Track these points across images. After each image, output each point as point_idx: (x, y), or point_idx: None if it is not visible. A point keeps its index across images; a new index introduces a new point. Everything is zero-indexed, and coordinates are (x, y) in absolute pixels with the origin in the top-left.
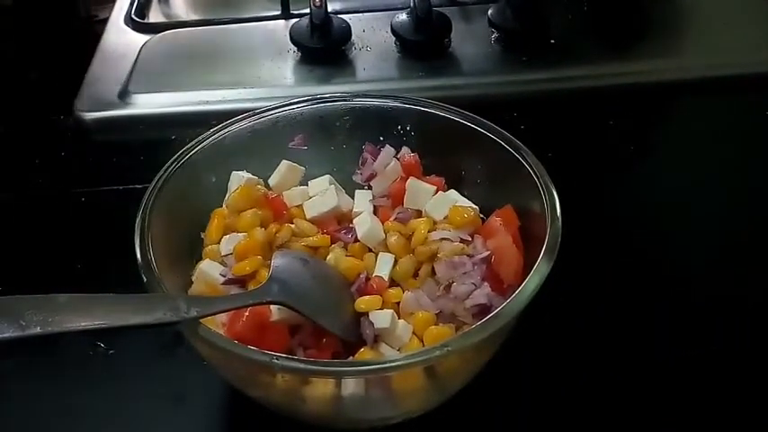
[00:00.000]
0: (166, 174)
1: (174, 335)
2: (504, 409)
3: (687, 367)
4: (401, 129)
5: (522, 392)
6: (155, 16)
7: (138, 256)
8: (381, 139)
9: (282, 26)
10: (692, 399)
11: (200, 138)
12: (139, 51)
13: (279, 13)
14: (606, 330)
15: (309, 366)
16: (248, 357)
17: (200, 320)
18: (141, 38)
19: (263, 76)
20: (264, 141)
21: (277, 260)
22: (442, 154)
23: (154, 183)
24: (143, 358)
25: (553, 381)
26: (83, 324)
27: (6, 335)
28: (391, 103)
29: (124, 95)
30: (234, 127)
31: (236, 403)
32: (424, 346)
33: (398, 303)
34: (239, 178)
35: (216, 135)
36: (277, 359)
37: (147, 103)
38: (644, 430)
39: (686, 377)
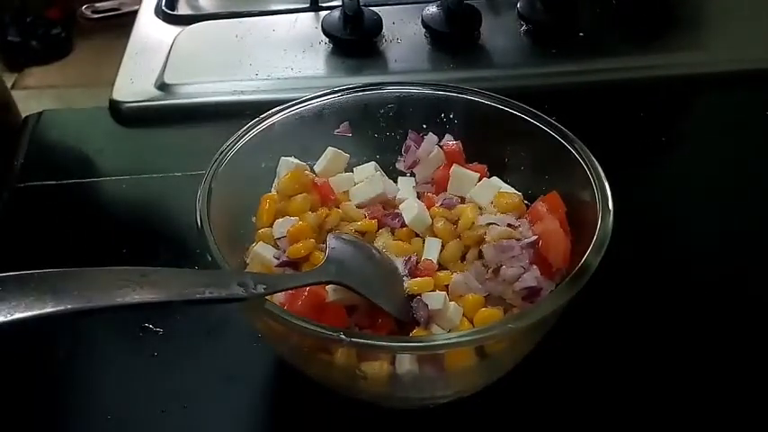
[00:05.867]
0: (222, 158)
1: (220, 316)
2: (552, 392)
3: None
4: (444, 116)
5: (571, 376)
6: (183, 8)
7: (204, 237)
8: (424, 126)
9: (311, 18)
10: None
11: (251, 123)
12: (173, 43)
13: (308, 5)
14: (641, 318)
15: (389, 343)
16: (318, 333)
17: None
18: (172, 29)
19: (295, 67)
20: (311, 128)
21: (332, 242)
22: (485, 141)
23: (211, 167)
24: (191, 339)
25: (600, 367)
26: (163, 297)
27: (99, 304)
28: (435, 92)
29: (162, 86)
30: (283, 113)
31: (283, 383)
32: (474, 327)
33: (447, 286)
34: (288, 164)
35: (266, 121)
36: (345, 335)
37: (185, 94)
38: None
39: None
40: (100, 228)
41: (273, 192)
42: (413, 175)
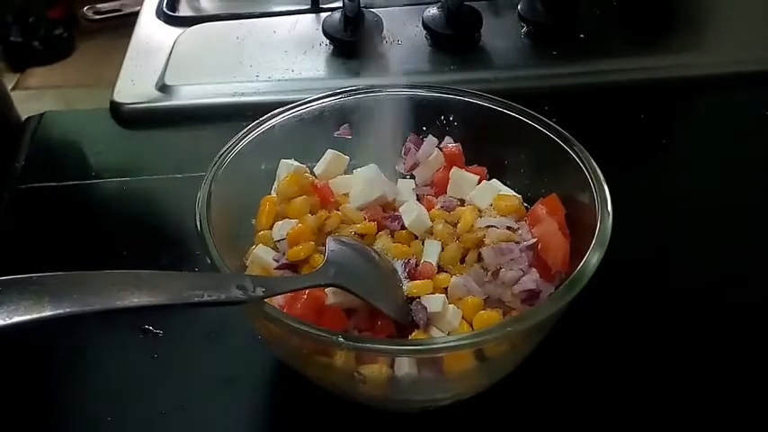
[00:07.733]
0: (222, 160)
1: (221, 319)
2: (552, 395)
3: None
4: (444, 119)
5: (571, 379)
6: (185, 9)
7: (203, 239)
8: (424, 129)
9: (312, 20)
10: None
11: (251, 125)
12: (174, 44)
13: (308, 6)
14: (640, 320)
15: (387, 346)
16: (316, 336)
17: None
18: (173, 31)
19: (296, 69)
20: (311, 130)
21: (331, 245)
22: (485, 144)
23: (211, 169)
24: (191, 341)
25: (600, 369)
26: (161, 300)
27: (98, 307)
28: (434, 94)
29: (162, 87)
30: (283, 115)
31: (283, 386)
32: (473, 330)
33: (446, 289)
34: (288, 166)
35: (266, 123)
36: (344, 338)
37: (185, 95)
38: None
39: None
40: (100, 229)
41: (273, 194)
42: (412, 177)
